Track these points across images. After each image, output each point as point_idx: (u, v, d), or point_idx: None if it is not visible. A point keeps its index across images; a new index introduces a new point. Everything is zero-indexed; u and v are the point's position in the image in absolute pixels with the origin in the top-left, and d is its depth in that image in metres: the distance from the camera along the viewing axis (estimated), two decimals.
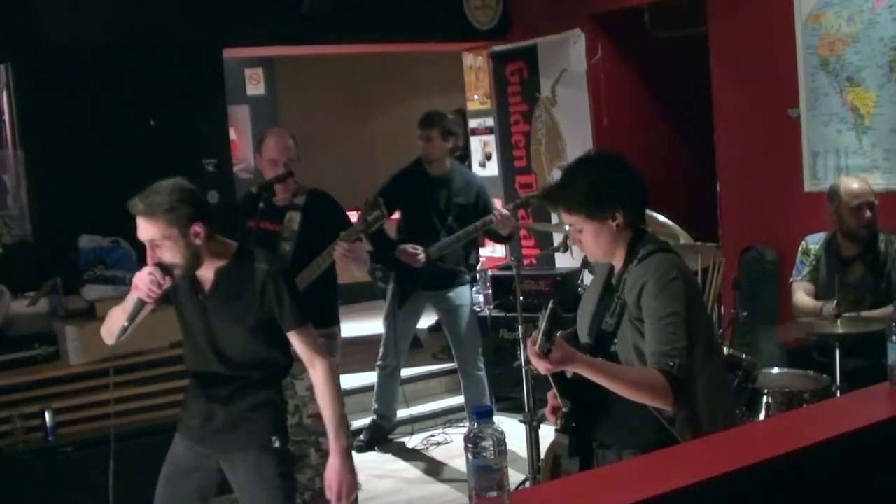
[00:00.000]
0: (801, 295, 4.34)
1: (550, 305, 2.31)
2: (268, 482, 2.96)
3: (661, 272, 2.46)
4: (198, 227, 2.81)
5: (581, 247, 2.62)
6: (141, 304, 2.82)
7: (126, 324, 2.85)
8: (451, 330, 5.41)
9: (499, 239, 5.58)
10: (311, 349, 2.96)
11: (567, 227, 4.56)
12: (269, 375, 3.01)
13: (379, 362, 5.50)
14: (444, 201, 5.22)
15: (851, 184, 4.23)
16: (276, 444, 2.97)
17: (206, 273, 2.91)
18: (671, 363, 2.36)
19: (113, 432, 3.02)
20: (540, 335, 2.29)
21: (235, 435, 2.97)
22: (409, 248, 5.03)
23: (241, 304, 2.90)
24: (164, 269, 2.80)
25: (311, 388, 3.81)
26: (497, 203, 5.32)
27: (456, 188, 5.26)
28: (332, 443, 2.95)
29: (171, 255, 2.80)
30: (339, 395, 3.02)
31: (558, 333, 2.39)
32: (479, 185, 5.45)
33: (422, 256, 5.03)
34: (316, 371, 2.97)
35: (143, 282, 2.78)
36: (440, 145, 5.25)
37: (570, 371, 2.43)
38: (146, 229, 2.78)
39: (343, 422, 3.01)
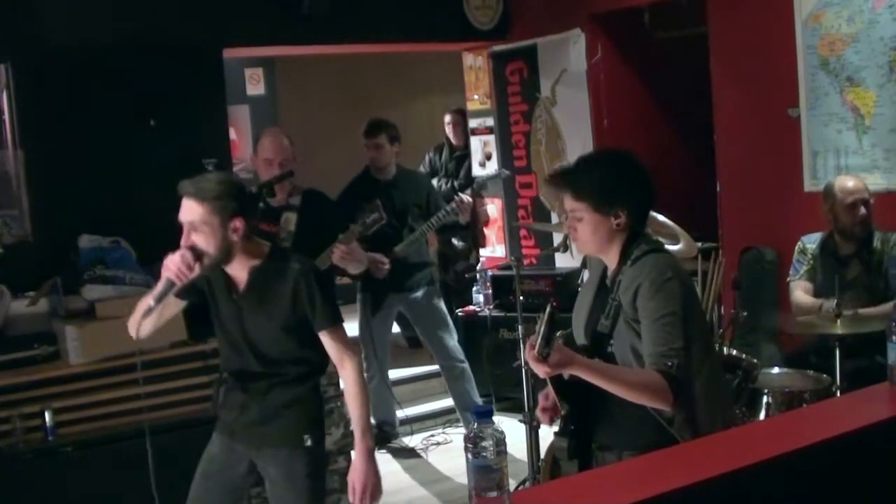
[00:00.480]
0: (800, 293, 4.35)
1: (548, 309, 2.30)
2: (296, 482, 2.96)
3: (656, 273, 2.45)
4: (238, 223, 2.85)
5: (574, 235, 2.60)
6: (170, 284, 2.83)
7: (152, 303, 2.86)
8: (424, 330, 5.45)
9: (459, 229, 5.59)
10: (341, 349, 2.98)
11: (565, 228, 4.58)
12: (305, 372, 3.02)
13: (364, 374, 5.50)
14: (400, 203, 5.25)
15: (846, 182, 4.25)
16: (308, 443, 2.97)
17: (241, 273, 2.94)
18: (669, 363, 2.36)
19: (147, 427, 3.07)
20: (538, 339, 2.28)
21: (267, 430, 2.97)
22: (374, 255, 4.95)
23: (275, 303, 2.92)
24: (196, 253, 2.82)
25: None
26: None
27: (407, 190, 5.33)
28: (358, 443, 2.95)
29: (205, 242, 2.83)
30: (368, 396, 3.03)
31: (558, 334, 2.39)
32: (428, 185, 5.58)
33: (387, 266, 5.01)
34: (346, 371, 2.99)
35: (174, 262, 2.81)
36: (389, 150, 5.36)
37: (567, 373, 2.43)
38: (190, 211, 2.82)
39: (370, 423, 3.01)
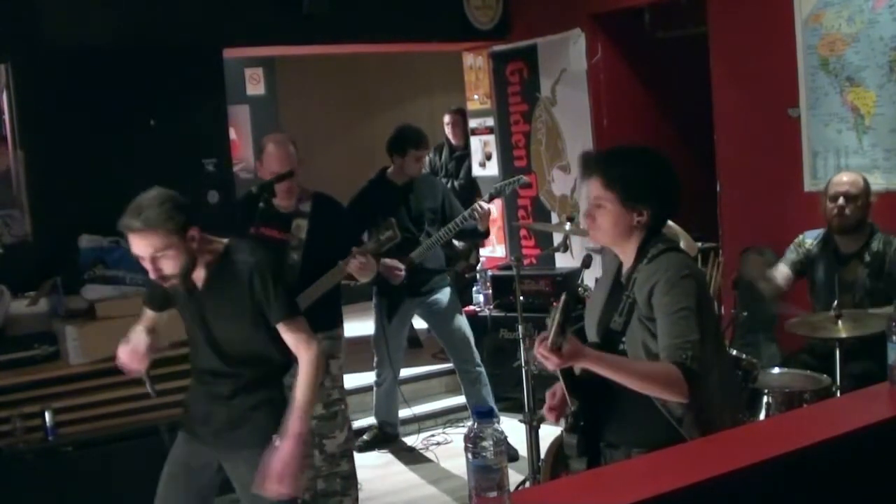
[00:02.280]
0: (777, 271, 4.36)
1: (563, 298, 2.30)
2: None
3: (673, 270, 2.46)
4: (193, 232, 2.85)
5: (592, 224, 2.58)
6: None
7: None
8: (441, 333, 5.41)
9: (477, 236, 5.55)
10: (298, 339, 2.93)
11: (565, 228, 4.58)
12: (268, 372, 3.02)
13: (376, 379, 5.51)
14: (416, 207, 5.22)
15: (843, 175, 4.25)
16: (278, 444, 2.95)
17: (198, 271, 2.94)
18: (684, 355, 2.35)
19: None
20: (553, 329, 2.28)
21: (236, 434, 2.98)
22: (389, 262, 4.92)
23: (233, 299, 2.92)
24: (164, 278, 2.86)
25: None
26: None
27: (423, 194, 5.28)
28: (292, 425, 2.87)
29: (173, 265, 2.82)
30: (317, 385, 2.99)
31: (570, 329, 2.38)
32: (444, 189, 5.53)
33: (402, 273, 4.98)
34: (302, 360, 2.95)
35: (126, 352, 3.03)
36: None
37: (577, 368, 2.42)
38: (146, 244, 2.79)
39: (310, 410, 2.96)
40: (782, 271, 4.37)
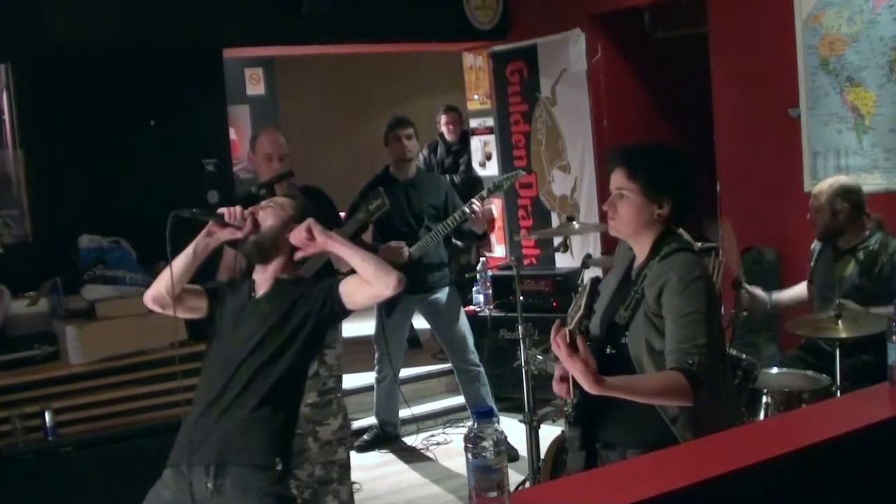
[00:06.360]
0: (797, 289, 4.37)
1: (591, 279, 2.32)
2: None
3: (685, 270, 2.47)
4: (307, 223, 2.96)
5: (612, 214, 2.58)
6: (217, 216, 2.91)
7: (193, 210, 2.91)
8: (441, 331, 5.41)
9: (473, 239, 5.52)
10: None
11: (572, 229, 4.58)
12: (276, 405, 2.82)
13: (376, 376, 5.51)
14: (417, 204, 5.22)
15: (822, 182, 4.22)
16: (279, 467, 2.76)
17: (265, 280, 2.96)
18: (690, 361, 2.36)
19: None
20: (579, 313, 2.28)
21: (237, 444, 2.74)
22: (392, 244, 4.95)
23: (284, 308, 2.89)
24: (253, 221, 2.94)
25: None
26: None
27: (426, 190, 5.28)
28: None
29: (269, 217, 2.96)
30: (369, 261, 2.90)
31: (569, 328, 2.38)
32: (447, 185, 5.52)
33: (405, 250, 4.97)
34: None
35: (236, 207, 2.94)
36: (415, 144, 5.36)
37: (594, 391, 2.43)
38: (279, 201, 3.08)
39: (351, 247, 2.94)
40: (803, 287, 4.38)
